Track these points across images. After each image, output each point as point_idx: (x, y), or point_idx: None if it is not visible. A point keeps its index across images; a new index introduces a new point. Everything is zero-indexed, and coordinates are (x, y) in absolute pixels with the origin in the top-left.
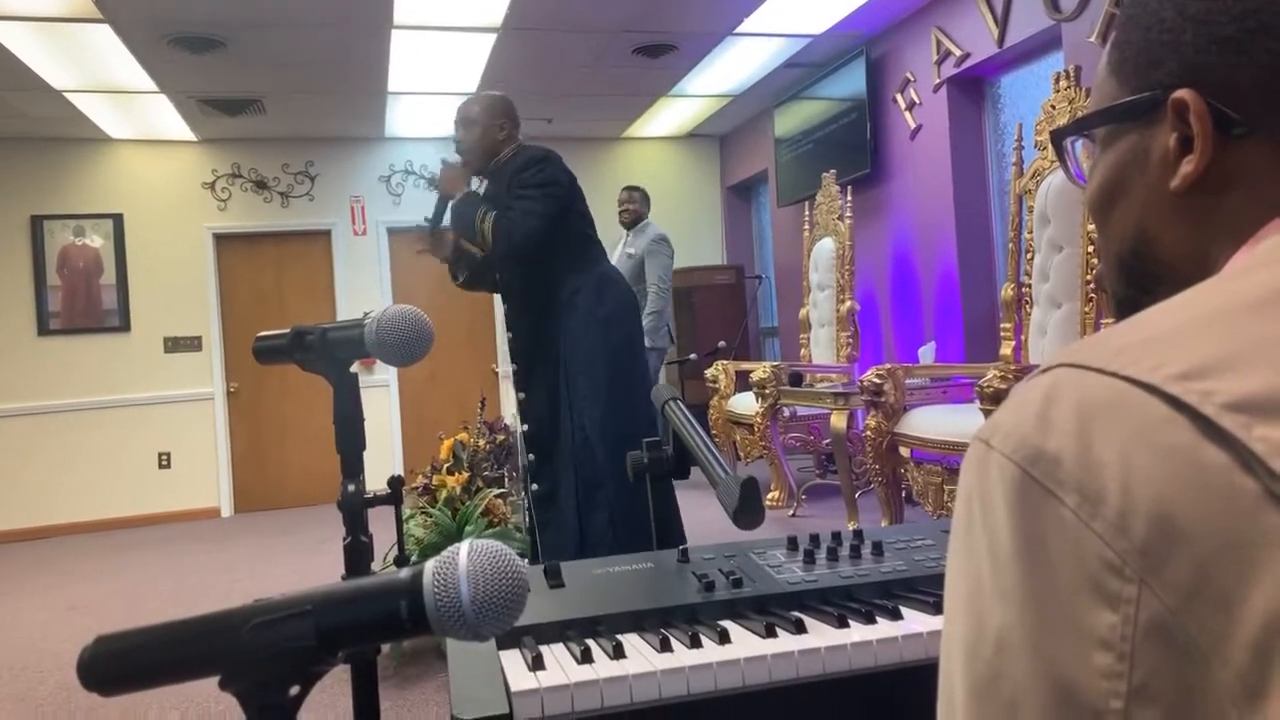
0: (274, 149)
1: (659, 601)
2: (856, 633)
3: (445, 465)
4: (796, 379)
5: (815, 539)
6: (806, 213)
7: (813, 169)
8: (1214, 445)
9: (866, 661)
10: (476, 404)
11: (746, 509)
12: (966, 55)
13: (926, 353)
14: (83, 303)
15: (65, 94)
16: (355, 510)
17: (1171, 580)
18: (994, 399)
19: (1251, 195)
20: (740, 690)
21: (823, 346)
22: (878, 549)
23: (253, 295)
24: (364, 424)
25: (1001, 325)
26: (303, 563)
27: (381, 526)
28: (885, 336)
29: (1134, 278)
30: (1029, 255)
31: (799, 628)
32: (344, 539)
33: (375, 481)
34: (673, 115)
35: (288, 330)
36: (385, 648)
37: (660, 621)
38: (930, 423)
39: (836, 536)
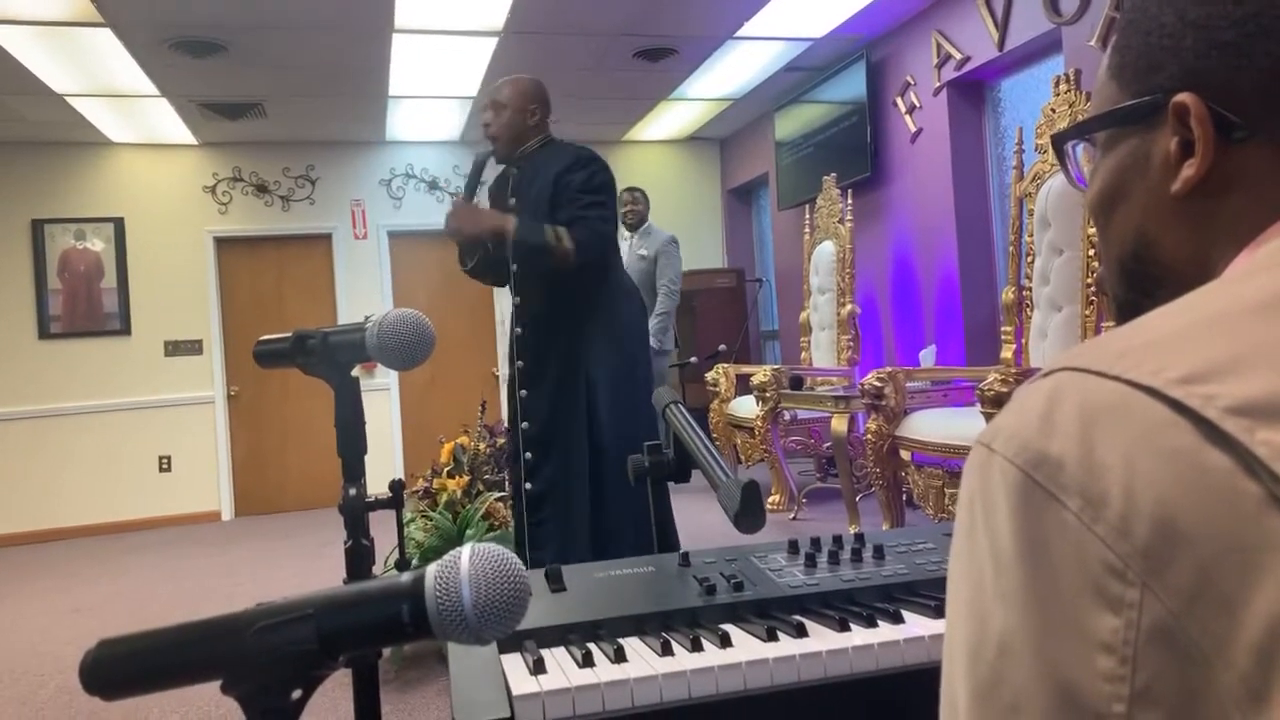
0: (275, 153)
1: (660, 605)
2: (858, 636)
3: (446, 469)
4: (797, 382)
5: (816, 542)
6: (807, 216)
7: (813, 172)
8: (1216, 449)
9: (868, 665)
10: (477, 407)
11: (747, 512)
12: (967, 59)
13: (927, 356)
14: (84, 306)
15: (66, 98)
16: (356, 514)
17: (1174, 584)
18: (995, 402)
19: (1252, 198)
20: (741, 694)
21: (823, 350)
22: (879, 552)
23: (253, 299)
24: (365, 427)
25: (1002, 328)
26: (304, 566)
27: (382, 530)
28: (886, 340)
29: (1135, 281)
30: (1029, 258)
31: (800, 631)
32: (345, 542)
33: (376, 485)
34: (673, 118)
35: (289, 334)
36: (386, 651)
37: (661, 625)
38: (931, 426)
39: (837, 540)
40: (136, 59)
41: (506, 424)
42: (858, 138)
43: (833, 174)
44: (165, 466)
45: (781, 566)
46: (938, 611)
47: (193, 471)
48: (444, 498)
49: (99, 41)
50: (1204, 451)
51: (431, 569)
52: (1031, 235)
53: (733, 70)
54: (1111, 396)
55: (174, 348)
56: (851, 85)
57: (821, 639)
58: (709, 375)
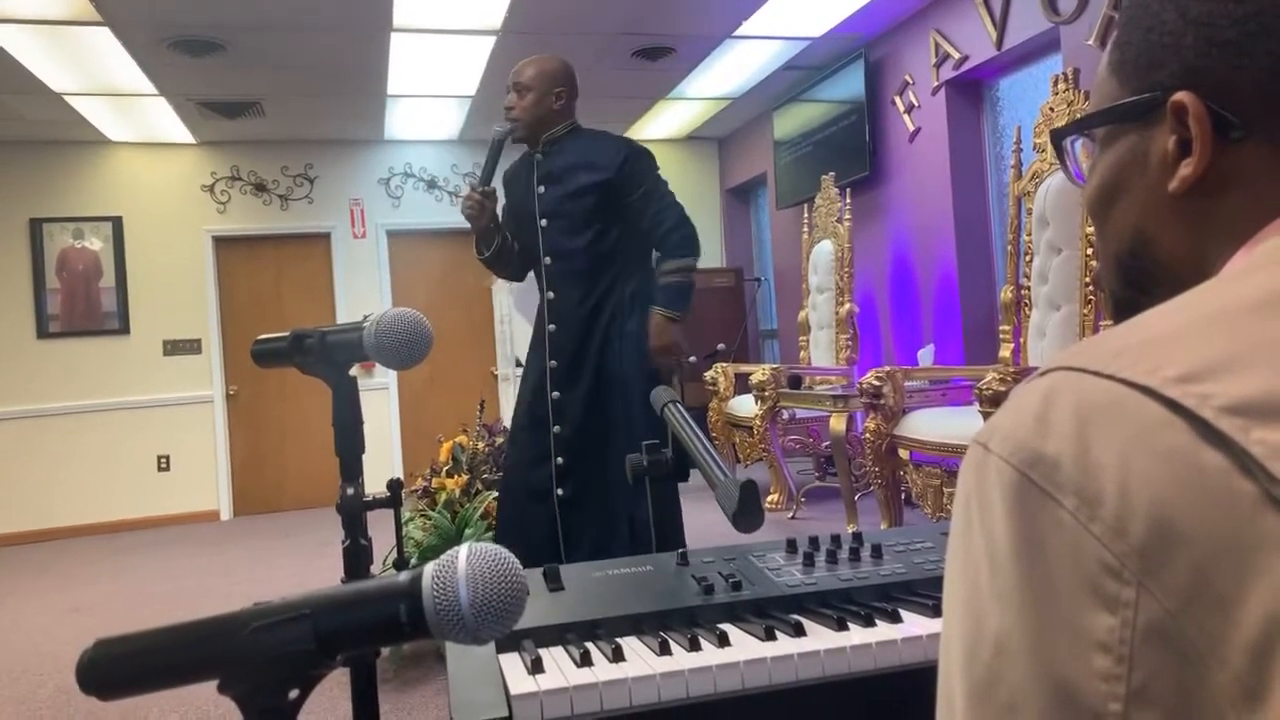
0: (273, 152)
1: (658, 604)
2: (856, 635)
3: (444, 468)
4: (796, 381)
5: (814, 541)
6: (805, 215)
7: (812, 171)
8: (1212, 448)
9: (866, 664)
10: (475, 407)
11: (746, 512)
12: (965, 58)
13: (925, 355)
14: (82, 305)
15: (64, 97)
16: (354, 513)
17: (1170, 583)
18: (993, 401)
19: (1250, 198)
20: (739, 693)
21: (822, 349)
22: (877, 552)
23: (252, 298)
24: (363, 427)
25: (1000, 327)
26: (302, 566)
27: (381, 529)
28: (884, 339)
29: (1132, 278)
30: (1028, 257)
31: (798, 630)
32: (343, 542)
33: (375, 484)
34: (672, 118)
35: (287, 333)
36: (385, 651)
37: (659, 624)
38: (929, 425)
39: (836, 539)
40: (135, 58)
41: (509, 422)
42: (856, 137)
43: (831, 173)
44: (164, 466)
45: (780, 566)
46: (935, 611)
47: (191, 471)
48: (443, 497)
49: (97, 40)
50: (1200, 451)
51: (429, 568)
52: (1030, 234)
53: (731, 69)
54: (1107, 396)
55: (172, 347)
56: (850, 84)
57: (819, 638)
58: (708, 374)
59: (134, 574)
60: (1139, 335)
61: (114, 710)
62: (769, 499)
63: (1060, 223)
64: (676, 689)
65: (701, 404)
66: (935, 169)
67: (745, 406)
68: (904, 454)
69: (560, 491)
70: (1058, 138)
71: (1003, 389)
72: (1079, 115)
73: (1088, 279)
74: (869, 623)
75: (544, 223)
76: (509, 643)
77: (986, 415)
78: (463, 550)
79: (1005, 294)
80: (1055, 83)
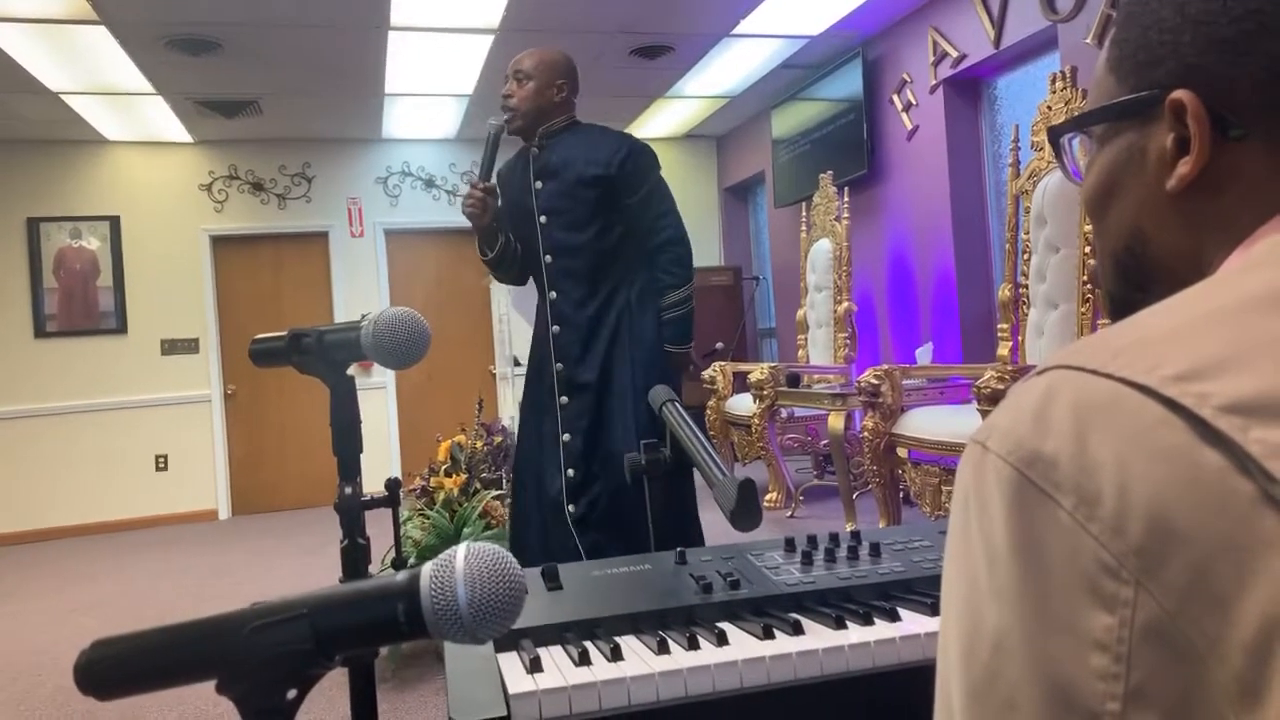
0: (271, 151)
1: (656, 604)
2: (854, 634)
3: (443, 467)
4: (794, 380)
5: (813, 540)
6: (804, 214)
7: (810, 170)
8: (1210, 447)
9: (864, 663)
10: (474, 406)
11: (744, 510)
12: (963, 56)
13: (924, 353)
14: (79, 305)
15: (61, 96)
16: (352, 513)
17: (1168, 582)
18: (991, 399)
19: (1247, 197)
20: (738, 692)
21: (820, 347)
22: (875, 550)
23: (250, 297)
24: (361, 426)
25: (999, 326)
26: (300, 565)
27: (379, 529)
28: (883, 337)
29: (1129, 276)
30: (1026, 256)
31: (796, 629)
32: (341, 541)
33: (373, 483)
34: (670, 116)
35: (284, 333)
36: (383, 650)
37: (658, 623)
38: (928, 423)
39: (834, 538)
40: (132, 57)
41: (507, 421)
42: (854, 135)
43: (829, 171)
44: (162, 465)
45: (778, 564)
46: (934, 609)
47: (189, 470)
48: (441, 496)
49: (94, 39)
50: (1197, 450)
51: (427, 568)
52: (1028, 233)
53: (729, 68)
54: (1105, 394)
55: (170, 346)
56: (848, 83)
57: (818, 637)
58: (706, 373)
59: (132, 574)
60: (1137, 334)
61: (112, 710)
62: (767, 497)
63: (1058, 221)
64: (675, 688)
65: (700, 403)
66: (933, 167)
67: (743, 405)
68: (902, 452)
69: (572, 508)
70: (1055, 135)
71: (1001, 387)
72: (1077, 113)
73: (1085, 277)
74: (867, 621)
75: (543, 219)
76: (507, 642)
77: (985, 413)
78: (461, 550)
79: (1003, 292)
80: (1053, 81)
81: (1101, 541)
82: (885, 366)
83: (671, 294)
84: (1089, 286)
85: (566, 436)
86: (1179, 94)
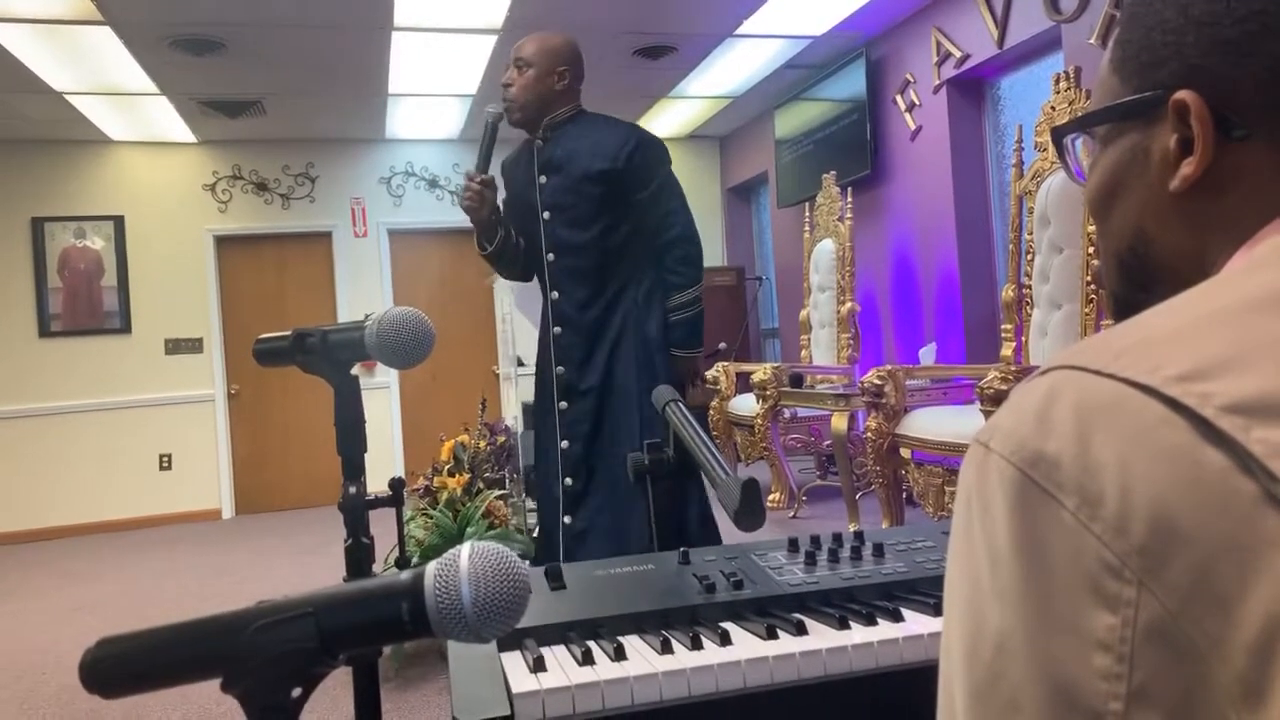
0: (274, 151)
1: (660, 603)
2: (857, 634)
3: (446, 467)
4: (797, 380)
5: (816, 540)
6: (807, 214)
7: (813, 170)
8: (1212, 447)
9: (867, 663)
10: (477, 405)
11: (747, 510)
12: (966, 56)
13: (927, 354)
14: (84, 304)
15: (66, 96)
16: (356, 512)
17: (1170, 582)
18: (995, 400)
19: (1250, 197)
20: (741, 692)
21: (823, 348)
22: (878, 550)
23: (254, 297)
24: (365, 426)
25: (1002, 326)
26: (303, 564)
27: (383, 528)
28: (886, 338)
29: (1132, 277)
30: (1029, 256)
31: (800, 629)
32: (345, 541)
33: (377, 483)
34: (673, 117)
35: (289, 333)
36: (387, 649)
37: (661, 623)
38: (931, 424)
39: (837, 538)
40: (136, 57)
41: (510, 420)
42: (857, 136)
43: (832, 172)
44: (166, 465)
45: (781, 564)
46: (937, 609)
47: (193, 470)
48: (444, 496)
49: (99, 39)
50: (1200, 450)
51: (431, 567)
52: (1031, 233)
53: (732, 68)
54: (1108, 395)
55: (174, 346)
56: (851, 83)
57: (821, 637)
58: (709, 373)
59: (136, 573)
60: (1140, 334)
61: (116, 709)
62: (770, 498)
63: (1062, 222)
64: (678, 688)
65: (703, 403)
66: (937, 168)
67: (746, 405)
68: (905, 453)
69: (568, 519)
70: (1059, 135)
71: (1004, 388)
72: (1080, 113)
73: (1089, 278)
74: (871, 621)
75: (546, 215)
76: (511, 641)
77: (988, 414)
78: (465, 549)
79: (1007, 293)
80: (1056, 81)
81: (1104, 541)
82: (888, 367)
83: (678, 295)
84: (1092, 287)
85: (565, 444)
86: (1182, 94)
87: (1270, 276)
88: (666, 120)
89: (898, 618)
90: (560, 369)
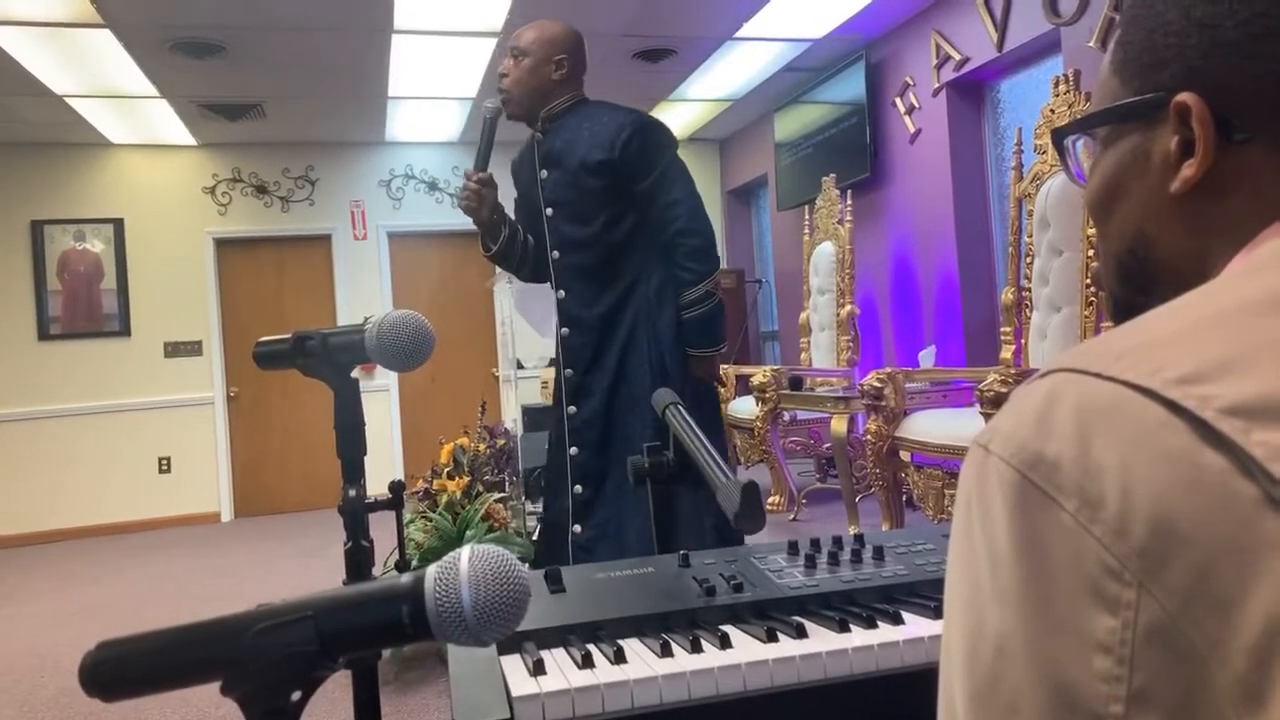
0: (274, 153)
1: (660, 606)
2: (858, 637)
3: (446, 470)
4: (797, 383)
5: (816, 543)
6: (806, 217)
7: (813, 173)
8: (1213, 450)
9: (868, 666)
10: (477, 408)
11: (747, 513)
12: (966, 59)
13: (927, 356)
14: (83, 307)
15: (66, 99)
16: (356, 515)
17: (1171, 584)
18: (994, 403)
19: (1251, 200)
20: (741, 695)
21: (823, 350)
22: (879, 553)
23: (253, 300)
24: (365, 429)
25: (1002, 329)
26: (303, 567)
27: (382, 531)
28: (885, 340)
29: (1132, 278)
30: (1029, 259)
31: (800, 632)
32: (345, 544)
33: (376, 486)
34: (673, 119)
35: (289, 335)
36: (386, 652)
37: (661, 626)
38: (931, 427)
39: (837, 541)
40: (136, 60)
41: (510, 424)
42: (857, 138)
43: (832, 175)
44: (165, 468)
45: (781, 567)
46: (937, 612)
47: (192, 473)
48: (444, 499)
49: (99, 42)
50: (1200, 452)
51: (431, 570)
52: (1031, 236)
53: (732, 71)
54: (1108, 397)
55: (174, 349)
56: (851, 86)
57: (821, 640)
58: None
59: (135, 576)
60: (1140, 337)
61: (116, 712)
62: (770, 501)
63: (1061, 224)
64: (678, 691)
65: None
66: (936, 171)
67: (746, 408)
68: (905, 456)
69: (577, 528)
70: (1059, 137)
71: (1004, 390)
72: (1080, 115)
73: (1089, 280)
74: (871, 624)
75: (549, 211)
76: (511, 644)
77: (988, 417)
78: (465, 552)
79: (1006, 295)
80: (1056, 84)
81: (1104, 544)
82: (888, 369)
83: (688, 291)
84: (1092, 289)
85: (574, 450)
86: (1184, 96)
87: (1270, 279)
88: (666, 123)
89: (898, 620)
90: (569, 371)
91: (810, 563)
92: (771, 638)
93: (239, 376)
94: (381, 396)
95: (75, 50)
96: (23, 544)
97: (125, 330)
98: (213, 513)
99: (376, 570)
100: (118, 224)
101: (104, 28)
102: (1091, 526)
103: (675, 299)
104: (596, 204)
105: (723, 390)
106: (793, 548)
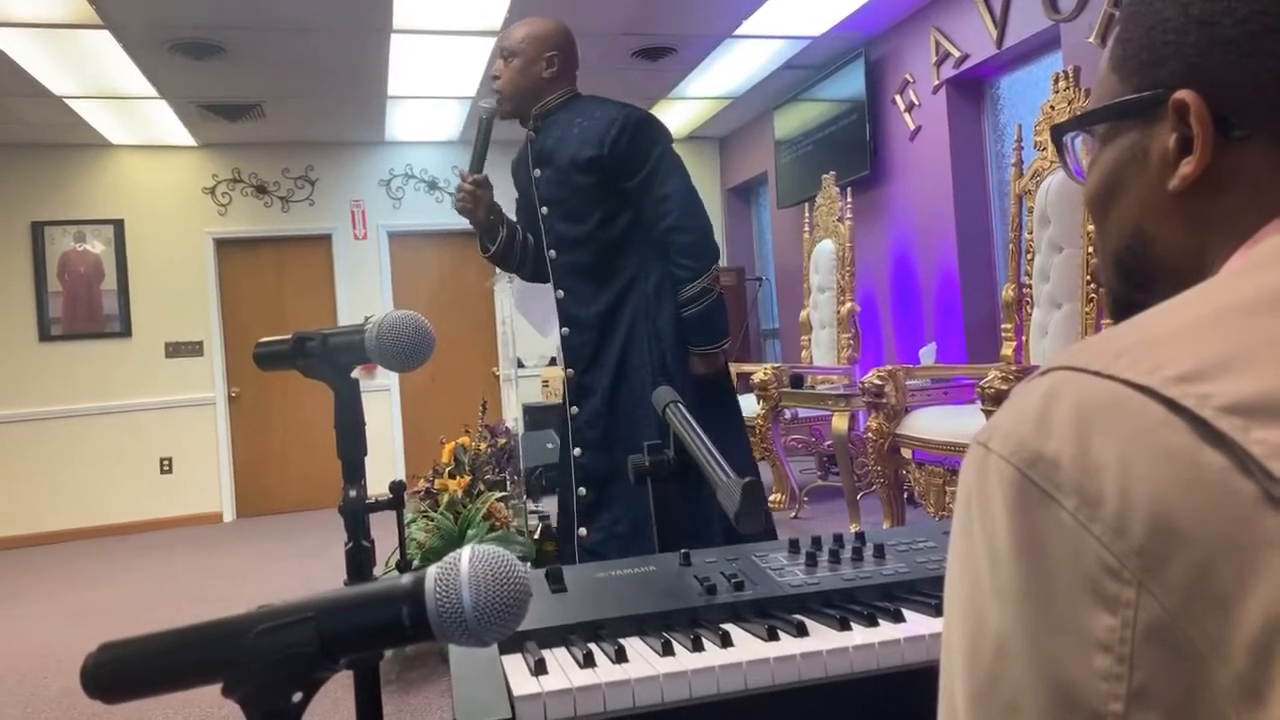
0: (274, 154)
1: (661, 605)
2: (858, 635)
3: (447, 469)
4: (797, 381)
5: (817, 541)
6: (807, 214)
7: (813, 171)
8: (1212, 448)
9: (869, 664)
10: (478, 407)
11: (748, 512)
12: (965, 56)
13: (927, 354)
14: (84, 308)
15: (66, 100)
16: (357, 515)
17: (1170, 582)
18: (995, 400)
19: (1250, 197)
20: (742, 693)
21: (824, 348)
22: (879, 551)
23: (254, 300)
24: (365, 429)
25: (1002, 326)
26: (305, 567)
27: (383, 531)
28: (886, 338)
29: (1130, 275)
30: (1029, 256)
31: (801, 630)
32: (346, 544)
33: (378, 486)
34: (673, 117)
35: (289, 336)
36: (388, 652)
37: (662, 625)
38: (932, 424)
39: (838, 539)
40: (135, 61)
41: (511, 423)
42: (857, 136)
43: (832, 172)
44: (166, 468)
45: (782, 566)
46: (938, 610)
47: (194, 473)
48: (445, 498)
49: (98, 43)
50: (1199, 450)
51: (431, 571)
52: (1031, 232)
53: (731, 69)
54: (1107, 396)
55: (174, 349)
56: (850, 83)
57: (822, 638)
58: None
59: (136, 576)
60: (1139, 335)
61: (118, 714)
62: (772, 498)
63: (1061, 221)
64: (679, 690)
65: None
66: (936, 168)
67: (747, 406)
68: (906, 453)
69: (583, 531)
70: (1058, 134)
71: (1005, 387)
72: (1079, 112)
73: (1089, 277)
74: (872, 622)
75: (544, 210)
76: (512, 644)
77: (989, 414)
78: (465, 552)
79: (1007, 292)
80: (1056, 81)
81: (1103, 542)
82: (889, 367)
83: (684, 288)
84: (1093, 286)
85: (577, 451)
86: (1182, 94)
87: (1269, 277)
88: (666, 121)
89: (899, 618)
90: (570, 371)
91: (811, 561)
92: (773, 636)
93: (240, 377)
94: (383, 396)
95: (74, 51)
96: (25, 545)
97: (126, 331)
98: (214, 513)
99: (378, 570)
100: (118, 225)
101: (103, 28)
102: (1091, 525)
103: (674, 296)
104: (590, 202)
105: None
106: (794, 546)
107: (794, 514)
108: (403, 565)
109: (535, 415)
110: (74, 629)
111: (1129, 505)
